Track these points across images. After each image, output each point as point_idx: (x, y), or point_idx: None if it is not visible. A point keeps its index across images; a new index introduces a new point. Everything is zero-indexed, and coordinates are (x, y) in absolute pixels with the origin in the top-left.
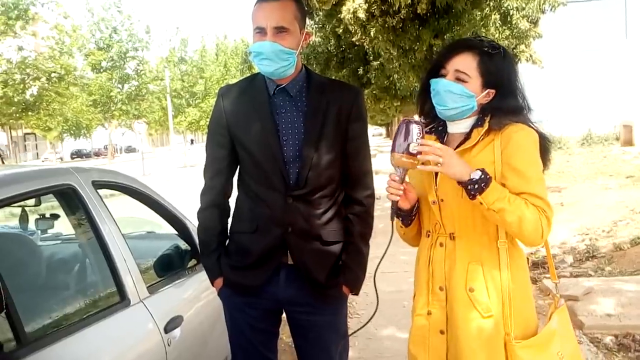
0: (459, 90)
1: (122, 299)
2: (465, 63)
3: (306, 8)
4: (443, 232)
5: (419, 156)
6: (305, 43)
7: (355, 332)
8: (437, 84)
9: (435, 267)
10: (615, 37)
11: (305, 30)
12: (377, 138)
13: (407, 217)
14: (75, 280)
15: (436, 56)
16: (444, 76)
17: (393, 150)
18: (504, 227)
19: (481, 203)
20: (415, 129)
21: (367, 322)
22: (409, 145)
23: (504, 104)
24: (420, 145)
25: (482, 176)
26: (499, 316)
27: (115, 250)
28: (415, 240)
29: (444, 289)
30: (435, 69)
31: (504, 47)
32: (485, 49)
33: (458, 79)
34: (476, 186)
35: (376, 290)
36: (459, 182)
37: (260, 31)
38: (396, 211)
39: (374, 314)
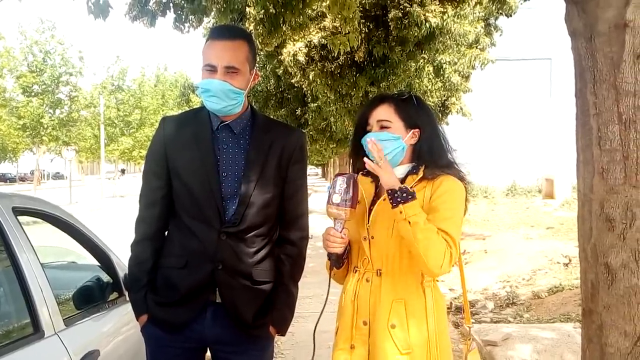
0: (385, 136)
1: (35, 331)
2: (384, 112)
3: None
4: (370, 268)
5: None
6: (253, 83)
7: None
8: (367, 139)
9: (360, 302)
10: (541, 95)
11: (255, 70)
12: (313, 178)
13: (339, 260)
14: None
15: (358, 118)
16: (370, 130)
17: (327, 203)
18: (411, 245)
19: (401, 212)
20: (338, 181)
21: None
22: (332, 196)
23: (432, 143)
24: (370, 142)
25: (411, 190)
26: (419, 354)
27: (31, 280)
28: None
29: (367, 323)
30: (361, 129)
31: (415, 94)
32: (397, 97)
33: (382, 127)
34: (404, 194)
35: (314, 346)
36: (388, 189)
37: (211, 69)
38: (329, 256)
39: None
